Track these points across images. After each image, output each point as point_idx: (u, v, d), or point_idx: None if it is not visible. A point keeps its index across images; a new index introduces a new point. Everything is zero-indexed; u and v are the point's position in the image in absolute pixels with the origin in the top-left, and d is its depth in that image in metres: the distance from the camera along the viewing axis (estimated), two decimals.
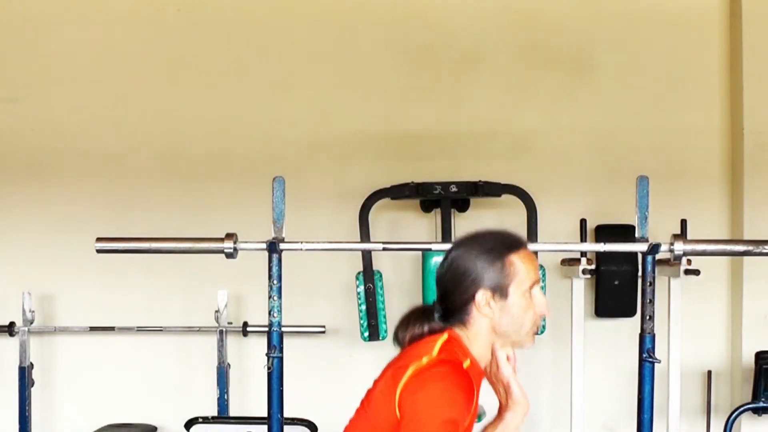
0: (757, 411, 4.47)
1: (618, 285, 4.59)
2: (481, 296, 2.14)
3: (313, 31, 4.97)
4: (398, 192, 4.64)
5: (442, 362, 2.08)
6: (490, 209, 4.88)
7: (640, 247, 3.26)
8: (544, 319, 4.50)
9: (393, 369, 2.13)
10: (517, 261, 2.16)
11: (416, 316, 2.24)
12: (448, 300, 2.20)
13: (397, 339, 2.24)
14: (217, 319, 4.72)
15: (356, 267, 4.61)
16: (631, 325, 4.38)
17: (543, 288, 4.44)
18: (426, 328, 2.21)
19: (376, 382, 2.19)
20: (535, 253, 4.44)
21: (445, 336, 2.16)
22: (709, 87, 4.96)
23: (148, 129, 4.99)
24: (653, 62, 4.96)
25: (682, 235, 3.50)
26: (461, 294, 2.16)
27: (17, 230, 4.99)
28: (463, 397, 2.03)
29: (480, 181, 4.61)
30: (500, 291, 2.15)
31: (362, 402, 2.21)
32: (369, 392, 2.20)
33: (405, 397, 2.04)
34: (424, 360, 2.08)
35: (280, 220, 3.30)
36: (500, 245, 2.18)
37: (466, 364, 2.12)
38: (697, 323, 4.80)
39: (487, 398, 5.07)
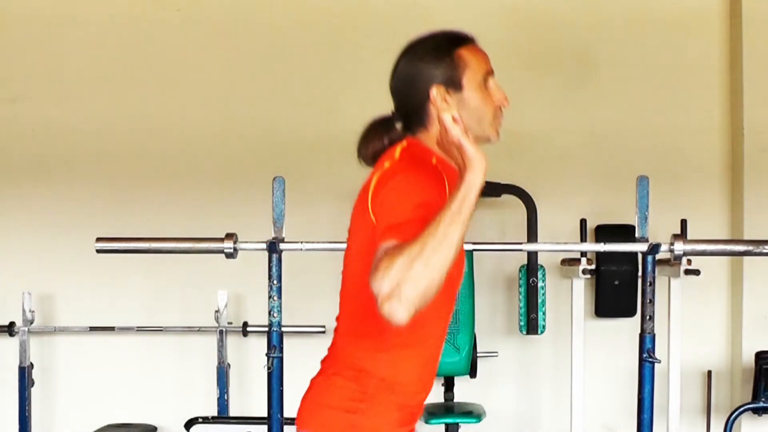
0: (757, 411, 4.47)
1: (618, 285, 4.59)
2: (436, 92, 2.12)
3: (314, 31, 4.97)
4: None
5: (405, 159, 2.06)
6: (490, 209, 4.88)
7: (640, 247, 3.26)
8: (544, 319, 4.56)
9: (362, 188, 2.11)
10: (465, 53, 2.14)
11: (374, 129, 2.22)
12: (404, 107, 2.18)
13: (360, 155, 2.22)
14: (217, 319, 4.72)
15: None
16: (631, 325, 4.38)
17: (542, 288, 4.54)
18: (386, 141, 2.18)
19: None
20: (536, 252, 4.52)
21: (404, 143, 2.14)
22: (709, 87, 4.96)
23: (148, 129, 4.99)
24: (653, 62, 4.96)
25: (682, 235, 3.50)
26: (416, 96, 2.13)
27: (17, 230, 4.98)
28: (432, 183, 1.98)
29: None
30: (453, 84, 2.12)
31: (347, 241, 2.18)
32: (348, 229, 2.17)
33: (375, 198, 2.00)
34: (387, 164, 2.06)
35: (280, 220, 3.30)
36: (446, 42, 2.16)
37: (433, 161, 2.09)
38: (697, 323, 4.80)
39: (487, 400, 5.07)
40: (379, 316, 1.77)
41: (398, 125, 2.20)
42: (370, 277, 1.78)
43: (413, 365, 2.12)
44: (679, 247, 3.25)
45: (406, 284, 1.73)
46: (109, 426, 4.77)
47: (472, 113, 2.12)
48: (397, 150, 2.11)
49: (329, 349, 2.19)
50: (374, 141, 2.20)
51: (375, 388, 2.07)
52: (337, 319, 2.19)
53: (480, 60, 2.16)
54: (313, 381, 2.17)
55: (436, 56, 2.13)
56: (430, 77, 2.12)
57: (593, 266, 4.52)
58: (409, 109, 2.16)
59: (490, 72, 2.17)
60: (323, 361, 2.18)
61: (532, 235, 4.50)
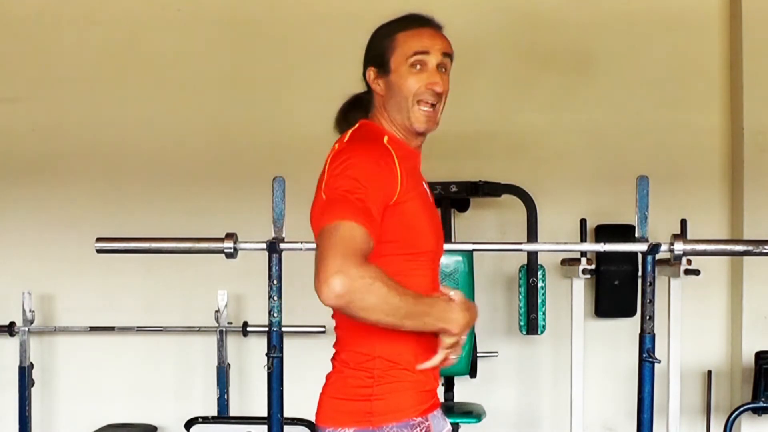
0: (757, 411, 4.47)
1: (618, 285, 4.59)
2: (370, 73, 2.16)
3: (314, 31, 4.97)
4: None
5: (351, 141, 2.09)
6: (490, 209, 4.88)
7: (640, 247, 3.26)
8: (544, 319, 4.56)
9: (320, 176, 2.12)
10: (402, 36, 2.13)
11: (342, 109, 2.28)
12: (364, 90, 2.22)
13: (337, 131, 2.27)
14: (217, 319, 4.72)
15: None
16: (631, 325, 4.38)
17: (542, 288, 4.54)
18: (345, 124, 2.23)
19: None
20: (536, 252, 4.52)
21: (357, 125, 2.17)
22: (709, 87, 4.96)
23: (148, 129, 4.99)
24: (653, 62, 4.96)
25: (682, 235, 3.50)
26: (364, 76, 2.19)
27: (17, 230, 4.99)
28: (377, 162, 1.99)
29: (480, 181, 4.61)
30: (382, 66, 2.13)
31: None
32: None
33: (321, 183, 2.03)
34: (336, 146, 2.10)
35: (280, 220, 3.30)
36: (394, 25, 2.17)
37: (384, 140, 2.10)
38: (697, 323, 4.80)
39: (487, 400, 5.06)
40: None
41: (358, 109, 2.24)
42: (319, 252, 1.84)
43: (407, 334, 2.07)
44: (679, 247, 3.25)
45: (359, 296, 1.83)
46: (109, 426, 4.78)
47: (396, 98, 2.13)
48: (349, 133, 2.14)
49: (334, 346, 2.19)
50: (340, 121, 2.26)
51: (381, 369, 2.06)
52: (332, 315, 2.19)
53: (414, 42, 2.12)
54: (327, 377, 2.18)
55: (376, 39, 2.17)
56: (369, 58, 2.17)
57: (593, 266, 4.52)
58: (364, 93, 2.21)
59: (423, 52, 2.11)
60: (332, 359, 2.18)
61: (532, 235, 4.50)
